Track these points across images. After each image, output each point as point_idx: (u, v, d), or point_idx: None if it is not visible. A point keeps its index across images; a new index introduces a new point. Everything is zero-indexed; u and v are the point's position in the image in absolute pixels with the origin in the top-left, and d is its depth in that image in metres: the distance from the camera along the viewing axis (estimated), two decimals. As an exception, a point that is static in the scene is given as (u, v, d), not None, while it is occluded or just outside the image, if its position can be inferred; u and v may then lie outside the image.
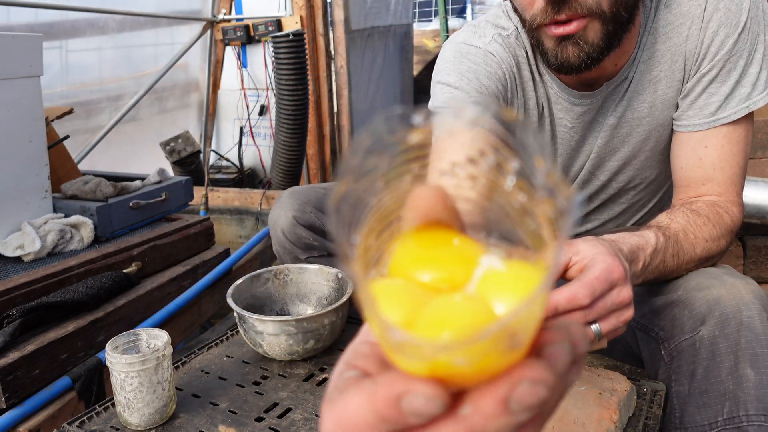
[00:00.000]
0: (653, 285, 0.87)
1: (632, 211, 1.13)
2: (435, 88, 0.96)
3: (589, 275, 0.64)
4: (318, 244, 1.11)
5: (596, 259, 0.66)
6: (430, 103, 0.96)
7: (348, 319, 1.01)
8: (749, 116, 0.90)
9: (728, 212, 0.89)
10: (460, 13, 7.25)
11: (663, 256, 0.80)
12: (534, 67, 0.98)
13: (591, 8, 0.78)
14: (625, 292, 0.66)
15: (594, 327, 0.65)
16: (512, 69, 0.96)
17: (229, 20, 3.28)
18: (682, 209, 0.87)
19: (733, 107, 0.88)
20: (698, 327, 0.76)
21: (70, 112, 1.96)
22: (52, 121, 1.84)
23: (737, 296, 0.75)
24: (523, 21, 0.87)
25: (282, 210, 1.11)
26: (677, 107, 0.95)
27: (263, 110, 3.33)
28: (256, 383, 0.88)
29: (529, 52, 0.97)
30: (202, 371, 0.91)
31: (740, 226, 0.91)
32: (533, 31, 0.84)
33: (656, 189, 1.10)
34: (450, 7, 7.35)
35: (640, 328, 0.87)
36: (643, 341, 0.87)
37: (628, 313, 0.67)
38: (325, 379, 0.88)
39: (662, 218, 0.86)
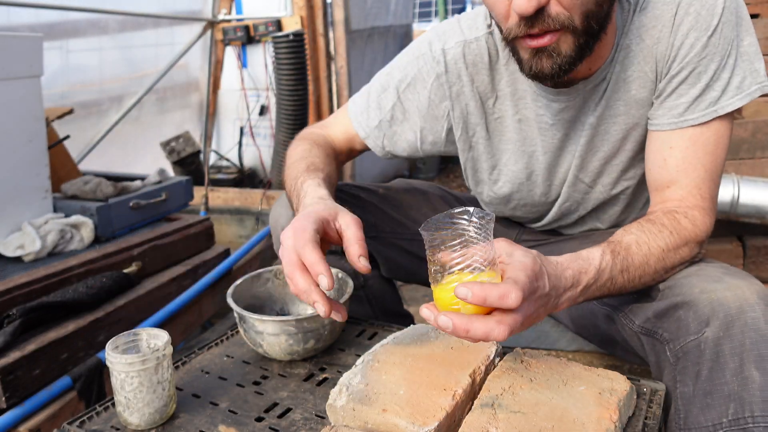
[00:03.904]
0: (656, 290, 0.87)
1: (617, 216, 1.13)
2: (391, 64, 1.10)
3: (524, 284, 0.67)
4: None
5: (519, 277, 0.68)
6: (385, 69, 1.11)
7: (348, 319, 1.01)
8: (724, 121, 0.89)
9: (688, 217, 0.87)
10: (460, 12, 7.24)
11: (611, 274, 0.81)
12: (503, 67, 1.01)
13: (563, 23, 0.81)
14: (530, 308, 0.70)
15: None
16: (457, 79, 1.03)
17: (229, 20, 3.28)
18: (638, 221, 0.88)
19: (701, 110, 0.88)
20: (703, 328, 0.76)
21: (71, 112, 1.96)
22: (53, 121, 1.84)
23: (741, 297, 0.75)
24: (500, 29, 0.89)
25: (283, 209, 1.11)
26: (634, 108, 0.96)
27: (263, 110, 3.34)
28: (256, 383, 0.88)
29: (501, 50, 1.01)
30: (202, 371, 0.91)
31: (708, 231, 0.88)
32: (509, 42, 0.88)
33: (640, 195, 1.10)
34: (450, 7, 7.36)
35: (645, 333, 0.86)
36: (649, 345, 0.86)
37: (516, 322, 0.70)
38: (326, 379, 0.88)
39: (618, 233, 0.86)
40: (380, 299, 1.20)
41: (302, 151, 1.05)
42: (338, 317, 0.78)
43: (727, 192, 1.68)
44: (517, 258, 0.70)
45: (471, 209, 0.67)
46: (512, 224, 1.25)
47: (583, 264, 0.79)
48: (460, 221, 0.67)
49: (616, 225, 1.15)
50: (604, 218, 1.13)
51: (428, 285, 1.29)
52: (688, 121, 0.89)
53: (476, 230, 0.66)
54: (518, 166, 1.06)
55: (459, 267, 0.66)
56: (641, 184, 1.06)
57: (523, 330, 0.72)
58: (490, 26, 1.01)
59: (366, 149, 1.16)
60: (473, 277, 0.66)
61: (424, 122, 1.07)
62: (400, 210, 1.17)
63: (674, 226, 0.85)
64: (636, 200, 1.10)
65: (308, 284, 0.76)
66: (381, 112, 1.09)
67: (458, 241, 0.66)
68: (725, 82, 0.87)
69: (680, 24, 0.88)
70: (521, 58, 0.87)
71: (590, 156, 1.02)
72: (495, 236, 1.22)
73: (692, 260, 0.88)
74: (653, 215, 0.88)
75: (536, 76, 0.87)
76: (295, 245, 0.78)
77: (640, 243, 0.83)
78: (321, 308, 0.76)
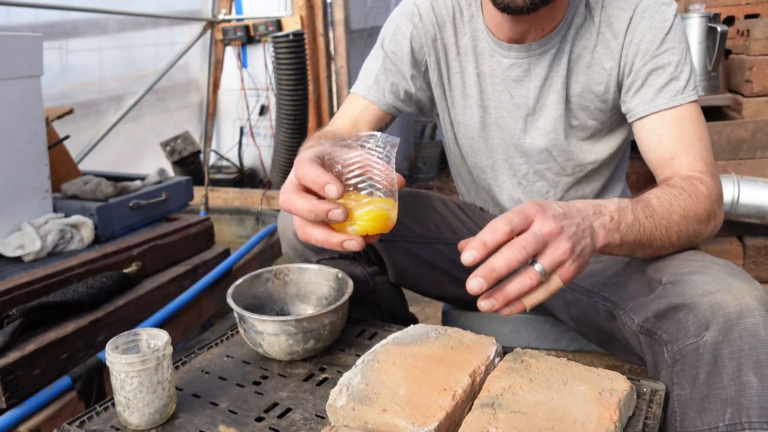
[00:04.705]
0: (658, 284, 0.87)
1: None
2: (381, 31, 1.19)
3: (505, 213, 0.71)
4: None
5: (503, 215, 0.72)
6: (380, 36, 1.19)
7: (348, 319, 1.01)
8: (697, 106, 0.99)
9: (703, 182, 0.92)
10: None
11: (635, 216, 0.81)
12: (467, 24, 1.09)
13: None
14: (547, 224, 0.69)
15: (537, 267, 0.69)
16: (431, 28, 1.11)
17: (229, 20, 3.28)
18: (657, 187, 0.91)
19: (671, 95, 0.98)
20: (702, 332, 0.76)
21: (70, 112, 1.96)
22: (52, 121, 1.84)
23: (741, 302, 0.75)
24: None
25: None
26: (593, 93, 1.05)
27: (263, 110, 3.34)
28: (256, 383, 0.88)
29: (465, 9, 1.09)
30: (202, 371, 0.91)
31: (720, 197, 0.94)
32: None
33: (601, 182, 1.17)
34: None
35: (644, 332, 0.87)
36: (647, 344, 0.86)
37: (564, 245, 0.69)
38: (326, 379, 0.88)
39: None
40: (389, 304, 1.19)
41: (308, 146, 1.10)
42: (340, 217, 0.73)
43: (727, 192, 1.69)
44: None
45: (378, 134, 0.69)
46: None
47: (600, 201, 0.80)
48: (367, 143, 0.69)
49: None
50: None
51: (435, 297, 1.30)
52: (660, 105, 0.98)
53: (379, 153, 0.68)
54: (473, 120, 1.14)
55: (356, 180, 0.68)
56: (591, 171, 1.15)
57: (575, 253, 0.71)
58: None
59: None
60: (369, 200, 0.68)
61: (411, 69, 1.15)
62: (404, 211, 1.17)
63: (692, 190, 0.89)
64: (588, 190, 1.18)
65: (310, 201, 0.72)
66: (375, 69, 1.17)
67: (357, 155, 0.68)
68: (687, 75, 0.98)
69: (637, 24, 0.99)
70: None
71: (536, 118, 1.10)
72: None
73: (710, 223, 0.91)
74: (671, 181, 0.92)
75: (507, 7, 0.92)
76: (295, 174, 0.74)
77: (661, 197, 0.86)
78: (338, 213, 0.70)
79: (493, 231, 0.68)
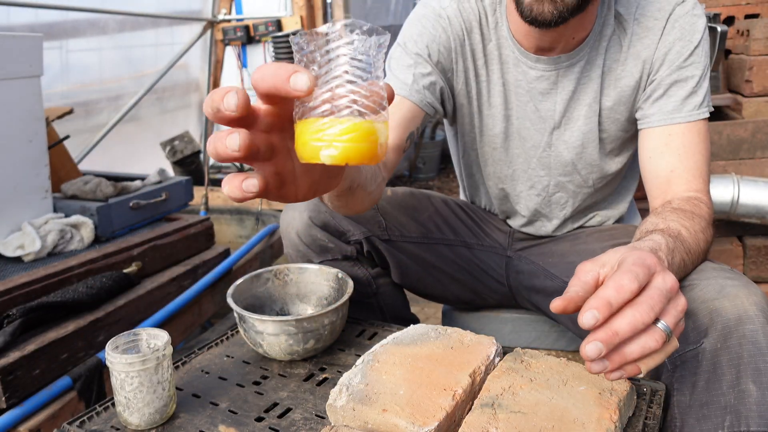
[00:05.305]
0: None
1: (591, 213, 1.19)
2: (400, 38, 1.10)
3: (625, 265, 0.62)
4: (333, 246, 1.09)
5: (625, 255, 0.65)
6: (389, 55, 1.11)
7: (348, 319, 1.01)
8: (704, 123, 1.01)
9: (704, 203, 0.93)
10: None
11: (681, 255, 0.80)
12: (492, 31, 1.05)
13: None
14: (669, 278, 0.62)
15: (661, 325, 0.61)
16: (460, 32, 1.06)
17: (229, 20, 3.28)
18: (666, 210, 0.89)
19: (689, 110, 0.99)
20: (701, 339, 0.76)
21: (70, 112, 1.96)
22: (53, 121, 1.84)
23: (740, 308, 0.75)
24: None
25: (296, 211, 1.09)
26: (624, 105, 1.04)
27: (263, 110, 3.34)
28: (256, 383, 0.88)
29: (489, 15, 1.05)
30: (202, 371, 0.91)
31: (713, 214, 0.94)
32: None
33: (619, 199, 1.18)
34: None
35: None
36: None
37: (682, 301, 0.63)
38: (326, 379, 0.88)
39: (654, 221, 0.86)
40: (392, 306, 1.19)
41: None
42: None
43: (727, 192, 1.68)
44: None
45: (365, 25, 0.48)
46: (503, 232, 1.25)
47: (653, 243, 0.75)
48: (348, 40, 0.48)
49: (582, 225, 1.21)
50: (581, 216, 1.20)
51: (437, 299, 1.29)
52: (676, 118, 0.98)
53: (364, 55, 0.48)
54: (496, 130, 1.11)
55: (336, 82, 0.48)
56: (605, 180, 1.13)
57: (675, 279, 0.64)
58: None
59: (401, 143, 1.07)
60: (352, 122, 0.48)
61: (443, 74, 1.08)
62: (406, 212, 1.17)
63: (698, 212, 0.89)
64: (614, 202, 1.19)
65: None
66: (410, 69, 1.04)
67: (340, 62, 0.47)
68: (705, 90, 1.00)
69: (668, 34, 0.99)
70: (522, 0, 0.90)
71: (560, 131, 1.08)
72: (489, 241, 1.24)
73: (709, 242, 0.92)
74: (675, 204, 0.91)
75: (534, 20, 0.90)
76: (252, 81, 0.49)
77: (687, 228, 0.84)
78: (302, 78, 0.45)
79: (618, 288, 0.59)
